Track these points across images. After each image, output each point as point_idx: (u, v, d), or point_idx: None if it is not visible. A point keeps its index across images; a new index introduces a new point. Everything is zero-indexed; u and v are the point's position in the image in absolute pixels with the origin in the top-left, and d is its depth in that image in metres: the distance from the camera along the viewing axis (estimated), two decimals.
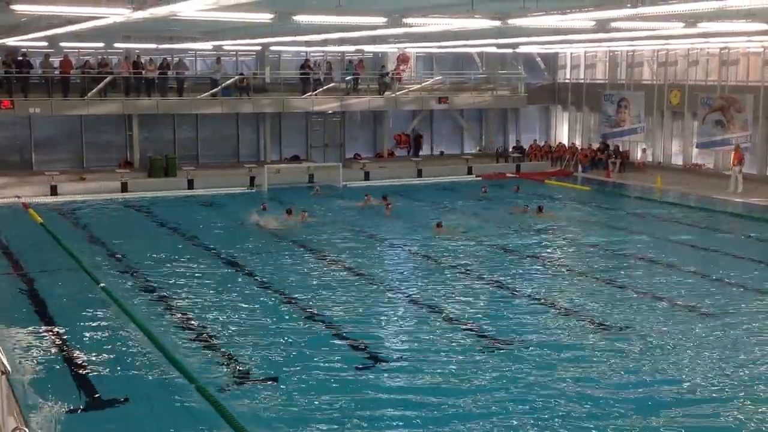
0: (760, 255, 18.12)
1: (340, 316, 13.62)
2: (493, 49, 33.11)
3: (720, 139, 29.48)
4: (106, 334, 12.60)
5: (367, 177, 30.11)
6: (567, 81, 37.24)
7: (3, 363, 7.82)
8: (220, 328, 12.95)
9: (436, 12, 16.70)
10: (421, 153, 35.09)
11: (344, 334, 12.66)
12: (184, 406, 10.02)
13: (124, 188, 26.93)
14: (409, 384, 10.68)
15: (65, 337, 12.45)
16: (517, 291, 15.26)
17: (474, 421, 9.58)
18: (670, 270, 16.81)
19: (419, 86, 34.68)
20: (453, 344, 12.19)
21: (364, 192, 25.35)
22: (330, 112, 33.09)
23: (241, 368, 11.22)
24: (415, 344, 12.19)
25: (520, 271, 16.86)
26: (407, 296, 14.99)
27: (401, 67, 35.29)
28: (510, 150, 35.55)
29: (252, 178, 28.37)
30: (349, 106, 32.65)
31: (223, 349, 11.97)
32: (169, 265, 17.15)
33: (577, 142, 35.85)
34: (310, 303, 14.37)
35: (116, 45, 29.44)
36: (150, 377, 10.90)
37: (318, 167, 30.78)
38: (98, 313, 13.66)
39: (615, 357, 11.67)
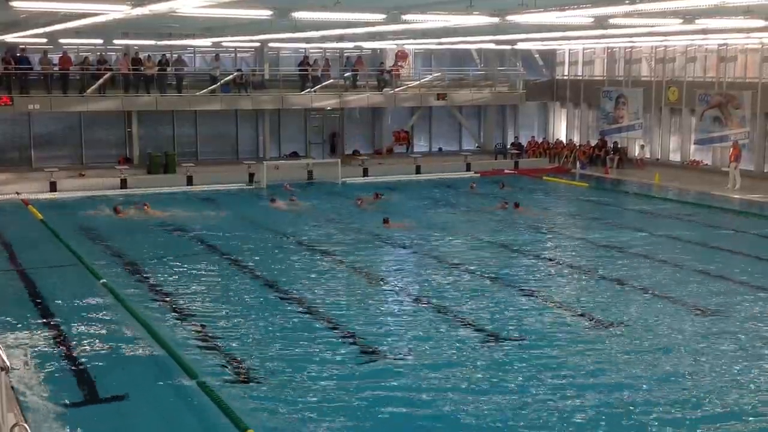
0: (758, 251, 18.15)
1: (340, 312, 13.65)
2: (492, 46, 33.16)
3: (718, 136, 29.54)
4: (107, 330, 12.64)
5: (365, 173, 30.14)
6: (565, 78, 37.29)
7: (3, 359, 7.86)
8: (221, 324, 12.98)
9: (434, 9, 16.74)
10: (338, 152, 33.77)
11: (345, 331, 12.70)
12: (184, 402, 10.06)
13: (124, 185, 26.96)
14: (411, 381, 10.70)
15: (65, 333, 12.48)
16: (512, 287, 15.27)
17: (474, 418, 9.62)
18: (668, 266, 16.84)
19: (418, 83, 34.73)
20: (453, 340, 12.23)
21: (359, 191, 25.43)
22: (329, 108, 33.11)
23: (242, 364, 11.26)
24: (416, 341, 12.23)
25: (514, 267, 16.89)
26: (404, 292, 15.06)
27: (399, 64, 35.34)
28: (508, 146, 35.59)
29: (251, 175, 28.39)
30: (348, 103, 32.68)
31: (224, 345, 12.00)
32: (169, 261, 17.19)
33: (576, 139, 35.91)
34: (311, 299, 14.40)
35: (115, 42, 29.51)
36: (150, 373, 10.94)
37: (316, 164, 30.84)
38: (98, 309, 13.69)
39: (612, 354, 11.72)
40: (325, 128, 34.31)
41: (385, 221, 20.81)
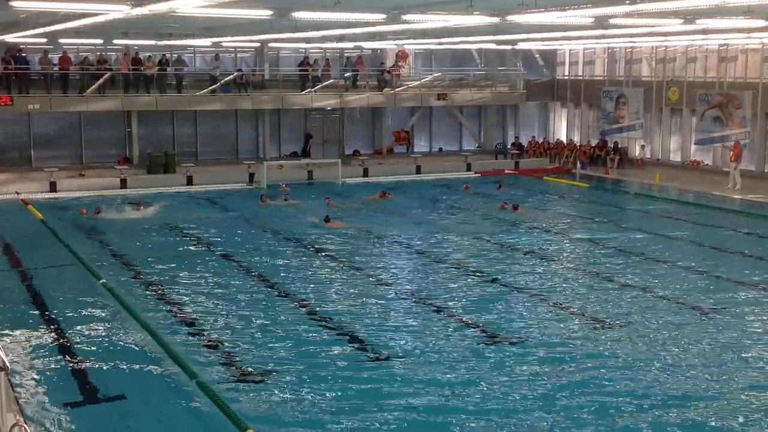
0: (758, 252, 18.13)
1: (339, 311, 13.65)
2: (492, 46, 33.14)
3: (719, 136, 29.53)
4: (106, 330, 12.62)
5: (365, 174, 30.12)
6: (566, 78, 37.27)
7: (2, 359, 7.86)
8: (220, 324, 12.97)
9: (434, 8, 16.73)
10: (312, 154, 33.11)
11: (344, 330, 12.69)
12: (184, 402, 10.05)
13: (123, 185, 26.96)
14: (410, 380, 10.69)
15: (65, 333, 12.47)
16: (511, 287, 15.27)
17: (475, 417, 9.61)
18: (668, 267, 16.83)
19: (418, 83, 34.73)
20: (453, 340, 12.23)
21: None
22: (329, 108, 33.10)
23: (241, 364, 11.24)
24: (415, 340, 12.22)
25: (513, 268, 16.83)
26: (404, 292, 15.04)
27: (400, 64, 35.33)
28: (509, 147, 35.58)
29: (251, 175, 28.38)
30: (348, 103, 32.67)
31: (223, 345, 11.99)
32: (169, 260, 17.18)
33: (576, 139, 35.90)
34: (310, 298, 14.41)
35: (115, 42, 29.50)
36: (150, 373, 10.92)
37: (316, 164, 30.82)
38: (98, 309, 13.69)
39: (612, 354, 11.70)
40: (300, 129, 34.02)
41: (326, 220, 20.84)
